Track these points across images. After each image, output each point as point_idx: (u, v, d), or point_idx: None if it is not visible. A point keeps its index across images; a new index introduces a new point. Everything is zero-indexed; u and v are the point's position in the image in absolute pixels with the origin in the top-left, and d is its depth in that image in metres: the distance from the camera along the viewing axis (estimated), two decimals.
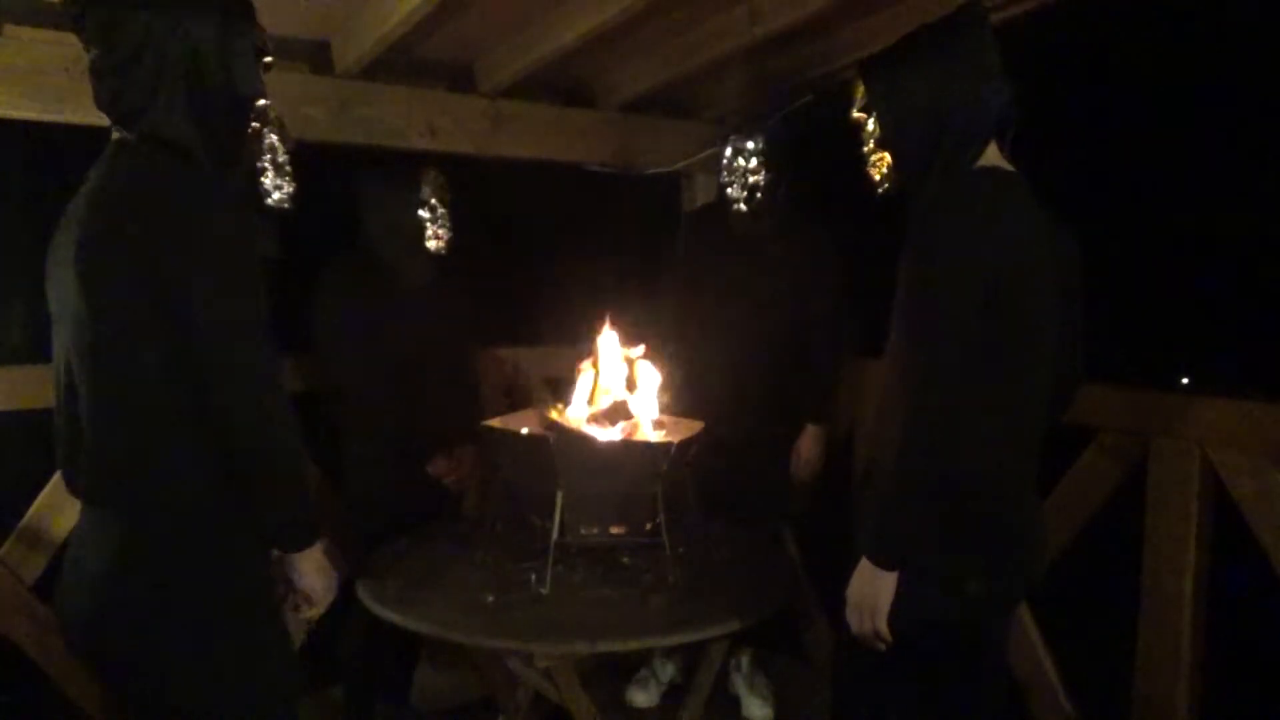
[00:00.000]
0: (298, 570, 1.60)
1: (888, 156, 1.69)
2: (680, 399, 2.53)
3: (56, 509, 2.54)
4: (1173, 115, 2.41)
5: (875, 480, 1.66)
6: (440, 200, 2.65)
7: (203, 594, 1.48)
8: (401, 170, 2.67)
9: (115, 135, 1.50)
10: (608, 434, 2.26)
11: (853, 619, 1.66)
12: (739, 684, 2.97)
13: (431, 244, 2.64)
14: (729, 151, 2.77)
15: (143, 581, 1.45)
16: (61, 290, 1.44)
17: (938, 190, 1.61)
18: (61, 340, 1.48)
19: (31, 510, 2.55)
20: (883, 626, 1.62)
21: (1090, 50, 2.48)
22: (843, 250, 2.89)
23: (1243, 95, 2.28)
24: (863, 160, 1.75)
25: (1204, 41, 2.32)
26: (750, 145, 2.75)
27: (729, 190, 2.78)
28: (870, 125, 1.71)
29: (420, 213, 2.62)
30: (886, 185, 1.73)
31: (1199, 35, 2.33)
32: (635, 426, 2.31)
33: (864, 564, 1.63)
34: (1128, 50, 2.45)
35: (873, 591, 1.62)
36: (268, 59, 1.59)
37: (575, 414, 2.35)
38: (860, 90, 1.72)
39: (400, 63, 2.84)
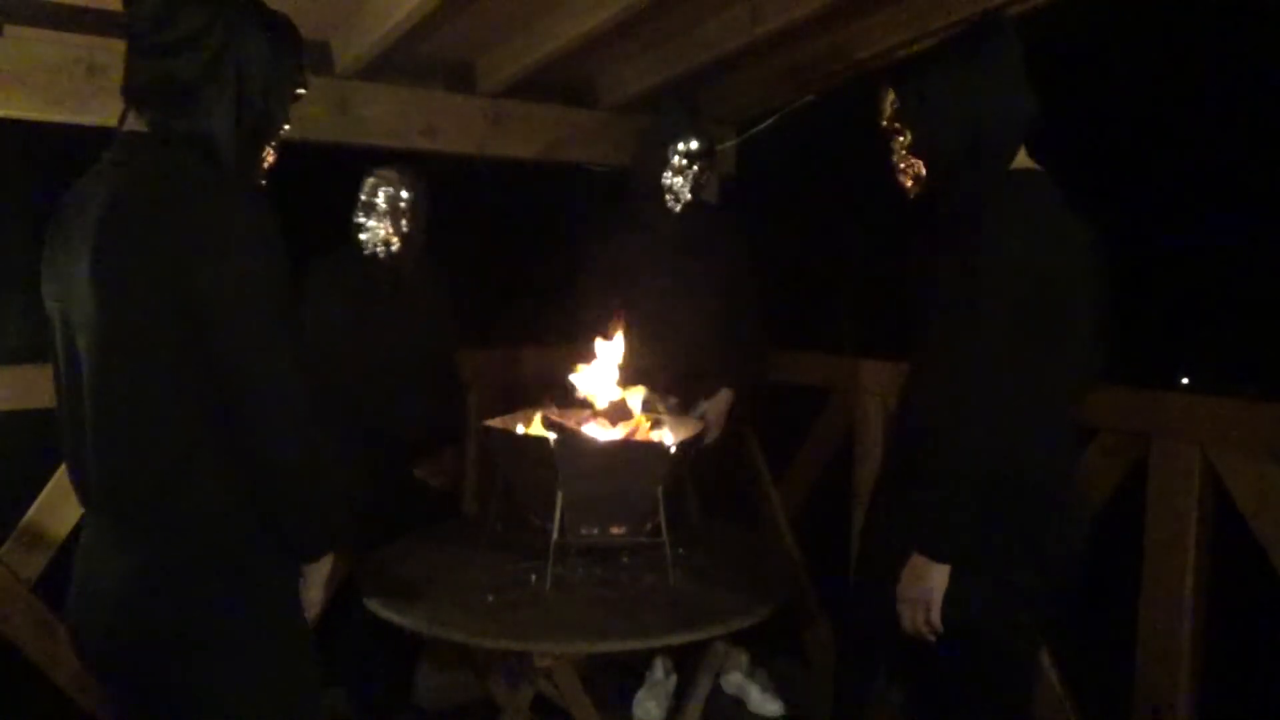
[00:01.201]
0: (305, 579, 1.55)
1: (919, 164, 1.73)
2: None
3: (56, 509, 2.54)
4: (1172, 114, 2.41)
5: (923, 474, 1.66)
6: (392, 201, 2.60)
7: (229, 608, 1.41)
8: (368, 168, 2.63)
9: (128, 129, 1.43)
10: (608, 434, 2.26)
11: (905, 613, 1.68)
12: (743, 683, 2.99)
13: (370, 244, 2.60)
14: (676, 156, 2.76)
15: (166, 598, 1.38)
16: (70, 290, 1.37)
17: (980, 193, 1.65)
18: (65, 341, 1.41)
19: (31, 510, 2.55)
20: (936, 619, 1.65)
21: (1089, 49, 2.48)
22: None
23: (1243, 94, 2.28)
24: (893, 168, 1.79)
25: (1205, 39, 2.33)
26: (697, 146, 2.76)
27: (675, 191, 2.77)
28: (902, 134, 1.74)
29: (358, 216, 2.60)
30: (918, 191, 1.77)
31: (1200, 33, 2.33)
32: (635, 427, 2.31)
33: (916, 558, 1.66)
34: (1128, 49, 2.45)
35: (926, 585, 1.64)
36: (300, 91, 1.55)
37: (575, 414, 2.35)
38: (890, 99, 1.75)
39: (400, 63, 2.84)
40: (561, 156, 3.39)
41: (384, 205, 2.61)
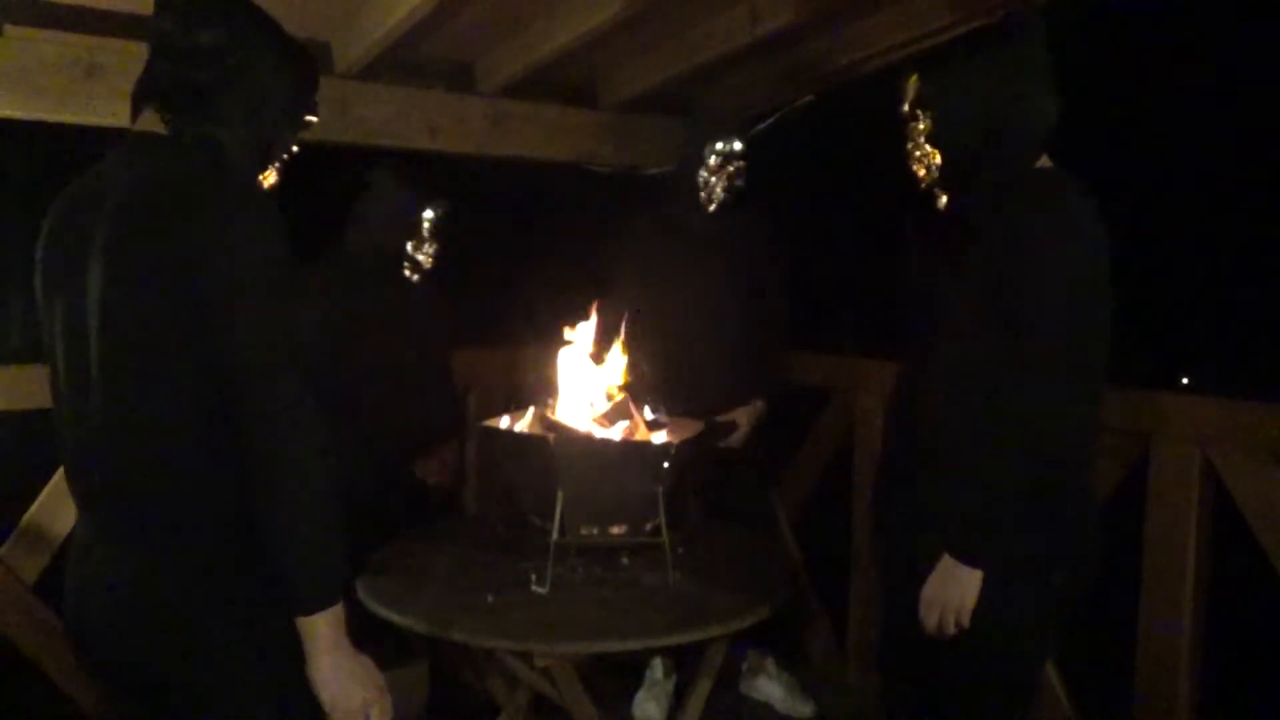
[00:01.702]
0: (307, 655, 1.37)
1: (935, 153, 1.71)
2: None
3: (56, 509, 2.54)
4: (1171, 113, 2.41)
5: (959, 477, 1.64)
6: (434, 231, 2.66)
7: (232, 608, 1.40)
8: (404, 196, 2.66)
9: (139, 129, 1.44)
10: (608, 434, 2.26)
11: (931, 617, 1.66)
12: (771, 688, 2.98)
13: (420, 268, 2.67)
14: (713, 157, 2.77)
15: (170, 597, 1.37)
16: (79, 288, 1.37)
17: (1002, 191, 1.63)
18: (68, 339, 1.40)
19: (31, 510, 2.55)
20: (965, 623, 1.63)
21: (1087, 47, 2.48)
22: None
23: (1239, 93, 2.28)
24: (907, 156, 1.76)
25: (1205, 36, 2.33)
26: (738, 148, 2.76)
27: (709, 190, 2.78)
28: (921, 123, 1.72)
29: (410, 243, 2.64)
30: (929, 182, 1.75)
31: (1199, 30, 2.34)
32: (635, 426, 2.31)
33: (947, 561, 1.63)
34: (1127, 46, 2.45)
35: (959, 589, 1.62)
36: (310, 118, 1.60)
37: (575, 414, 2.35)
38: (912, 86, 1.72)
39: (400, 63, 2.84)
40: (561, 156, 3.39)
41: (429, 229, 2.66)
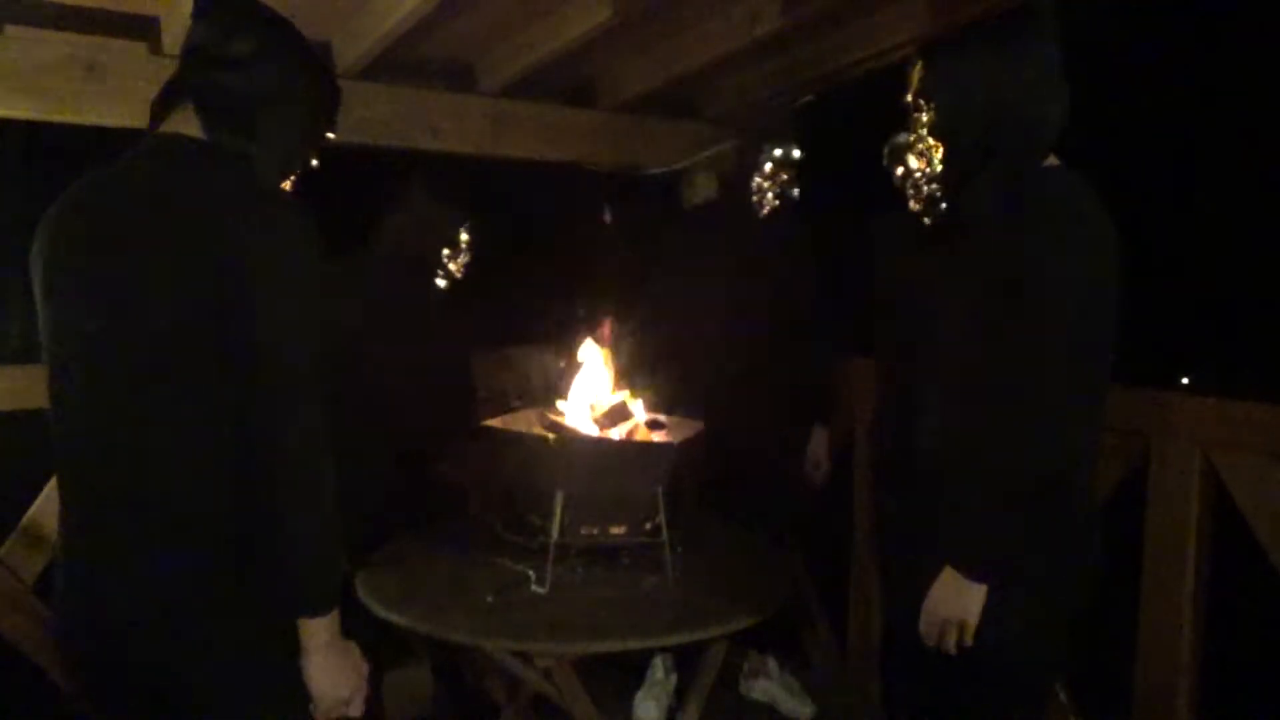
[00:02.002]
0: (304, 651, 1.41)
1: (937, 146, 1.64)
2: (678, 400, 2.54)
3: (56, 509, 2.53)
4: (1172, 114, 2.41)
5: (957, 484, 1.61)
6: (469, 243, 2.74)
7: (236, 611, 1.39)
8: (448, 207, 2.72)
9: (168, 130, 1.45)
10: (608, 434, 2.26)
11: (933, 631, 1.63)
12: (772, 689, 2.98)
13: (452, 276, 2.74)
14: (768, 164, 2.80)
15: (173, 601, 1.36)
16: (91, 288, 1.36)
17: (1018, 190, 1.58)
18: (73, 340, 1.40)
19: (31, 510, 2.55)
20: (969, 639, 1.59)
21: (1090, 45, 2.48)
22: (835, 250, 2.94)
23: (1240, 94, 2.28)
24: (909, 148, 1.69)
25: (1206, 36, 2.33)
26: (795, 155, 2.81)
27: (760, 197, 2.82)
28: (924, 113, 1.65)
29: (444, 254, 2.71)
30: (930, 175, 1.67)
31: (1200, 30, 2.34)
32: (635, 427, 2.31)
33: (949, 574, 1.59)
34: (1130, 45, 2.45)
35: (962, 605, 1.58)
36: (330, 135, 1.64)
37: (576, 415, 2.35)
38: (917, 75, 1.66)
39: (400, 63, 2.84)
40: (562, 156, 3.39)
41: (466, 241, 2.74)
